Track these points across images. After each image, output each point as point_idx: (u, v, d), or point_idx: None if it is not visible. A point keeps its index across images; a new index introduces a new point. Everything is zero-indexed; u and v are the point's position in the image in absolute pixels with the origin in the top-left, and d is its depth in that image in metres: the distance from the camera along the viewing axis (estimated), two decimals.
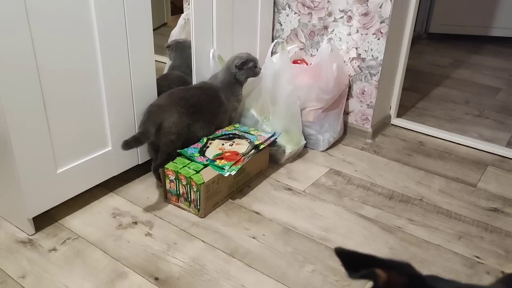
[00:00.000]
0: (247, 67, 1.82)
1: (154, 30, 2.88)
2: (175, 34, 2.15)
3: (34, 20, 1.26)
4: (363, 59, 2.04)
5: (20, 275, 1.32)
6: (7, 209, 1.52)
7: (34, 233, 1.48)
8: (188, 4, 1.84)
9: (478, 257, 1.43)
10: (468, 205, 1.70)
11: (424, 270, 1.37)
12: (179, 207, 1.65)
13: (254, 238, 1.50)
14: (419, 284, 0.32)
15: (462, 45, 3.71)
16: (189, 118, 1.67)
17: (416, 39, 3.83)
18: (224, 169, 1.60)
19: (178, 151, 1.67)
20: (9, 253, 1.40)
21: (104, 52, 1.47)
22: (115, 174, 1.67)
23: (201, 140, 1.75)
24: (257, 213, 1.63)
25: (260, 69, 1.88)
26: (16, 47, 1.24)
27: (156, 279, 1.32)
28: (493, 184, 1.83)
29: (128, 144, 1.50)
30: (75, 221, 1.55)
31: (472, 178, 1.87)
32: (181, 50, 1.99)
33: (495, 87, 2.88)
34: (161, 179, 1.67)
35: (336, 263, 1.40)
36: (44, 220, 1.53)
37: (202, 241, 1.48)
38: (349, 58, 2.08)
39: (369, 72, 2.05)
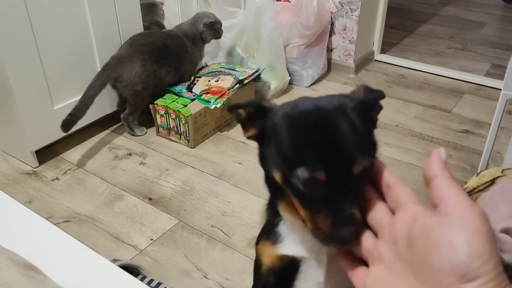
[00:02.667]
0: (214, 28, 1.83)
1: None
2: None
3: None
4: None
5: (27, 200, 1.46)
6: (12, 144, 1.64)
7: (38, 166, 1.61)
8: None
9: None
10: (441, 128, 1.81)
11: None
12: (170, 139, 1.77)
13: (240, 163, 1.63)
14: (262, 110, 0.46)
15: None
16: (153, 65, 1.67)
17: None
18: (210, 102, 1.71)
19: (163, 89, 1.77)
20: (15, 183, 1.54)
21: None
22: (108, 113, 1.78)
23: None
24: (243, 143, 1.75)
25: (223, 31, 1.88)
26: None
27: (150, 199, 1.46)
28: (467, 110, 1.94)
29: (67, 125, 1.52)
30: (74, 155, 1.68)
31: (448, 105, 1.98)
32: (149, 9, 1.94)
33: (480, 22, 2.92)
34: (131, 129, 1.75)
35: None
36: (46, 155, 1.66)
37: (192, 167, 1.61)
38: None
39: (349, 8, 2.11)
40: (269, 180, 0.48)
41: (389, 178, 0.40)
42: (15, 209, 0.63)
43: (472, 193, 0.67)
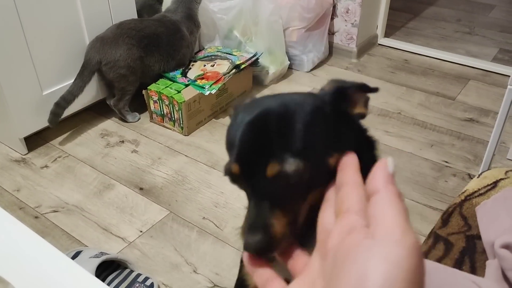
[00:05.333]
0: None
1: None
2: None
3: None
4: None
5: (15, 188, 1.42)
6: (0, 131, 1.60)
7: (27, 153, 1.57)
8: None
9: (447, 162, 1.50)
10: (444, 116, 1.74)
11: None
12: (164, 126, 1.72)
13: None
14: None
15: None
16: (141, 50, 1.59)
17: None
18: (204, 88, 1.65)
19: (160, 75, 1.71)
20: (4, 171, 1.50)
21: None
22: (101, 98, 1.73)
23: None
24: None
25: None
26: None
27: (141, 189, 1.42)
28: (472, 97, 1.87)
29: (54, 120, 1.51)
30: (65, 141, 1.64)
31: (452, 92, 1.90)
32: None
33: (489, 4, 2.82)
34: (123, 116, 1.70)
35: None
36: (36, 141, 1.62)
37: (185, 155, 1.56)
38: None
39: None
40: None
41: (344, 177, 0.34)
42: None
43: (472, 197, 0.62)
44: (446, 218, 0.60)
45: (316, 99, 0.38)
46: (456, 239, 0.57)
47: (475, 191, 0.62)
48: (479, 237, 0.55)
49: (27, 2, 1.38)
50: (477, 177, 0.66)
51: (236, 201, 1.36)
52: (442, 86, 1.95)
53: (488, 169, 0.89)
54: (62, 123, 1.66)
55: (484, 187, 0.62)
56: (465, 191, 0.63)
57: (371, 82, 1.96)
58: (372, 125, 1.64)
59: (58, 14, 1.48)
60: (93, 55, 1.55)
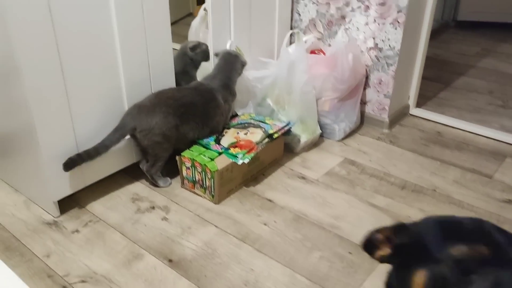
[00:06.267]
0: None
1: (179, 19, 2.93)
2: (195, 24, 2.20)
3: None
4: (380, 49, 2.04)
5: (45, 254, 1.42)
6: (35, 192, 1.62)
7: (59, 215, 1.58)
8: None
9: None
10: (482, 196, 1.69)
11: None
12: (194, 193, 1.71)
13: (265, 224, 1.55)
14: (403, 230, 0.55)
15: (491, 34, 3.61)
16: (177, 119, 1.62)
17: (443, 28, 3.75)
18: (237, 157, 1.65)
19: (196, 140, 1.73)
20: (35, 234, 1.50)
21: (123, 42, 1.54)
22: (135, 161, 1.75)
23: None
24: (269, 200, 1.68)
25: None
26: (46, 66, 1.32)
27: (170, 261, 1.40)
28: (510, 176, 1.81)
29: (69, 165, 1.47)
30: (97, 205, 1.64)
31: (489, 169, 1.86)
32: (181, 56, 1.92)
33: None
34: (155, 181, 1.72)
35: (344, 250, 1.44)
36: (68, 204, 1.63)
37: (215, 226, 1.54)
38: (367, 47, 2.08)
39: (386, 62, 2.05)
40: None
41: None
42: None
43: None
44: None
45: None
46: None
47: None
48: None
49: (73, 65, 1.43)
50: None
51: (266, 280, 1.32)
52: (478, 163, 1.90)
53: None
54: (94, 185, 1.67)
55: None
56: None
57: (404, 154, 1.94)
58: (406, 202, 1.61)
59: (101, 80, 1.53)
60: (129, 121, 1.59)
